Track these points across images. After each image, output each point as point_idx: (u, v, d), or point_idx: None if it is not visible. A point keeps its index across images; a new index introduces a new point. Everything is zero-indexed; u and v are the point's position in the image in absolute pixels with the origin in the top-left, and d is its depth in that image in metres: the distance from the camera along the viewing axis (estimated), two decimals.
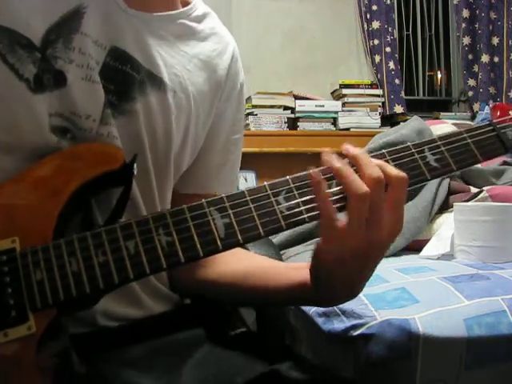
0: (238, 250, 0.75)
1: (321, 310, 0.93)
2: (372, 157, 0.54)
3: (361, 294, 0.61)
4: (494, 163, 1.65)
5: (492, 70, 3.27)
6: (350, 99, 3.09)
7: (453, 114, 3.26)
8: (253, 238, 0.51)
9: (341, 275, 0.54)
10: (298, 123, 2.99)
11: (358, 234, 0.51)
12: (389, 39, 3.23)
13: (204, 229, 0.50)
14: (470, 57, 3.32)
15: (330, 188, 0.53)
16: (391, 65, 3.22)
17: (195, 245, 0.49)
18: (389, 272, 1.06)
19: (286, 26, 3.21)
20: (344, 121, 3.05)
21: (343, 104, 3.08)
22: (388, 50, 3.22)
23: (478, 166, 1.63)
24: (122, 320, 0.64)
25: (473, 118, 3.14)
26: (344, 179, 0.51)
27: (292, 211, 0.52)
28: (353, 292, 0.58)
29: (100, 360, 0.60)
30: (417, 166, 0.56)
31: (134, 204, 0.63)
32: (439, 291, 0.93)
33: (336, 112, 3.05)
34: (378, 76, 3.23)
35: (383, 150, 0.55)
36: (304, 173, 0.54)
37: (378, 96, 3.16)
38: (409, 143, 0.57)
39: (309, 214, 0.52)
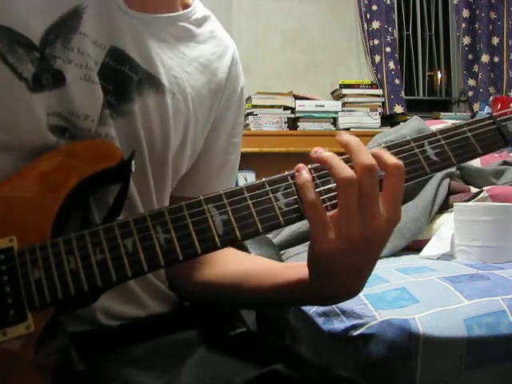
0: (237, 252, 0.75)
1: (321, 309, 0.93)
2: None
3: (361, 294, 0.61)
4: (493, 163, 1.65)
5: (492, 70, 3.27)
6: (350, 99, 3.10)
7: (453, 114, 3.27)
8: (251, 234, 0.51)
9: (338, 269, 0.53)
10: (298, 123, 3.00)
11: (351, 222, 0.50)
12: (389, 39, 3.24)
13: (202, 226, 0.50)
14: (470, 57, 3.32)
15: (324, 185, 0.52)
16: (391, 65, 3.22)
17: (193, 242, 0.49)
18: (389, 272, 1.06)
19: (285, 25, 3.21)
20: (344, 121, 3.05)
21: (343, 104, 3.08)
22: (388, 50, 3.23)
23: (478, 165, 1.63)
24: (121, 319, 0.64)
25: (473, 117, 3.14)
26: (329, 165, 0.51)
27: (291, 207, 0.51)
28: (352, 289, 0.57)
29: (101, 359, 0.60)
30: (416, 161, 0.55)
31: (131, 203, 0.63)
32: (439, 291, 0.93)
33: (336, 112, 3.05)
34: (378, 76, 3.23)
35: (383, 144, 0.55)
36: None
37: (378, 96, 3.16)
38: (408, 137, 0.56)
39: None
